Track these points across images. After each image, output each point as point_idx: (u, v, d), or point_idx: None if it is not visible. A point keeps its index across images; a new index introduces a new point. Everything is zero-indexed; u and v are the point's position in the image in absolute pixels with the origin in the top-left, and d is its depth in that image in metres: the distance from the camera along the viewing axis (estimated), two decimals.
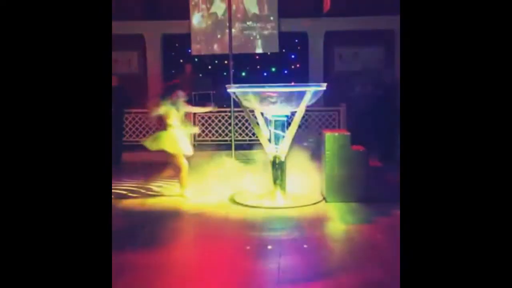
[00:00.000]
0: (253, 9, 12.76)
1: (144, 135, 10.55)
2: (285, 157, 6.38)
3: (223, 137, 10.20)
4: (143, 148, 6.65)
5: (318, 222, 5.47)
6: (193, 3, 12.63)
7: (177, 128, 6.52)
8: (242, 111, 8.67)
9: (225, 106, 9.71)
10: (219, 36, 12.73)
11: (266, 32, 12.70)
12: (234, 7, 12.12)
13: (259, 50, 12.82)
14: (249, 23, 12.76)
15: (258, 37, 12.79)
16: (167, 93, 6.59)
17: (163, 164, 6.80)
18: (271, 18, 12.69)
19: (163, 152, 6.55)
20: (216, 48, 12.80)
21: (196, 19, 12.77)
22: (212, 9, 12.82)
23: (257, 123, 6.63)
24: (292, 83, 6.59)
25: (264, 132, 6.56)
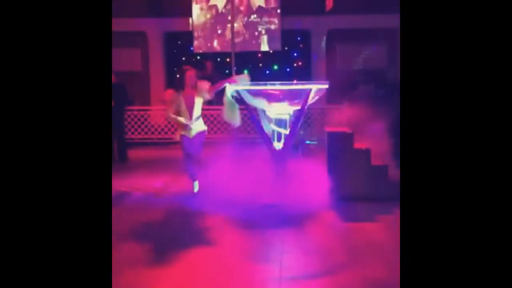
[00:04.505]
0: (258, 1, 12.00)
1: (152, 132, 10.54)
2: (287, 155, 6.37)
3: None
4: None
5: (320, 220, 5.47)
6: None
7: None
8: (244, 109, 8.65)
9: None
10: (219, 31, 12.12)
11: (271, 27, 11.99)
12: None
13: (264, 48, 12.15)
14: (253, 17, 12.06)
15: (263, 32, 12.05)
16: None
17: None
18: (278, 11, 11.97)
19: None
20: (216, 45, 12.21)
21: (195, 12, 12.16)
22: (212, 1, 12.08)
23: (260, 121, 6.63)
24: (295, 81, 6.58)
25: (266, 130, 6.55)
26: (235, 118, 6.59)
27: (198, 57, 12.86)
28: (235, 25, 10.20)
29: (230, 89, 6.50)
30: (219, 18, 12.15)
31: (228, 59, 11.92)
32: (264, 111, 6.63)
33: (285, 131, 6.38)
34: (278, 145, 6.40)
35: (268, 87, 6.15)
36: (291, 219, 5.49)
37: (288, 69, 13.05)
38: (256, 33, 12.20)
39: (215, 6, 12.16)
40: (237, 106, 6.51)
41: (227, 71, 11.33)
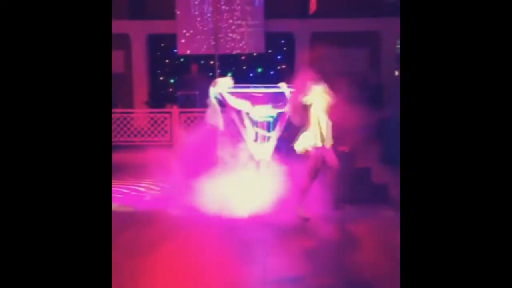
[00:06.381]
0: (242, 2, 12.04)
1: (135, 135, 10.45)
2: (271, 158, 6.36)
3: None
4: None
5: (303, 223, 5.47)
6: None
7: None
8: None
9: None
10: (203, 34, 12.21)
11: (255, 30, 12.07)
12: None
13: (247, 50, 12.37)
14: (237, 19, 12.16)
15: (246, 34, 12.16)
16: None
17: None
18: (260, 13, 12.10)
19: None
20: (201, 47, 12.31)
21: (179, 15, 12.23)
22: (197, 2, 12.17)
23: (243, 124, 6.61)
24: (280, 84, 6.59)
25: (249, 133, 6.54)
26: (218, 121, 6.58)
27: (182, 60, 12.82)
28: (219, 26, 10.24)
29: (213, 91, 6.50)
30: (202, 20, 12.15)
31: (211, 62, 11.90)
32: (247, 114, 6.62)
33: (269, 134, 6.37)
34: (261, 147, 6.39)
35: (252, 89, 6.15)
36: (275, 222, 5.48)
37: (272, 72, 13.07)
38: (240, 35, 12.20)
39: (199, 8, 12.16)
40: (219, 109, 6.50)
41: (210, 74, 11.30)
